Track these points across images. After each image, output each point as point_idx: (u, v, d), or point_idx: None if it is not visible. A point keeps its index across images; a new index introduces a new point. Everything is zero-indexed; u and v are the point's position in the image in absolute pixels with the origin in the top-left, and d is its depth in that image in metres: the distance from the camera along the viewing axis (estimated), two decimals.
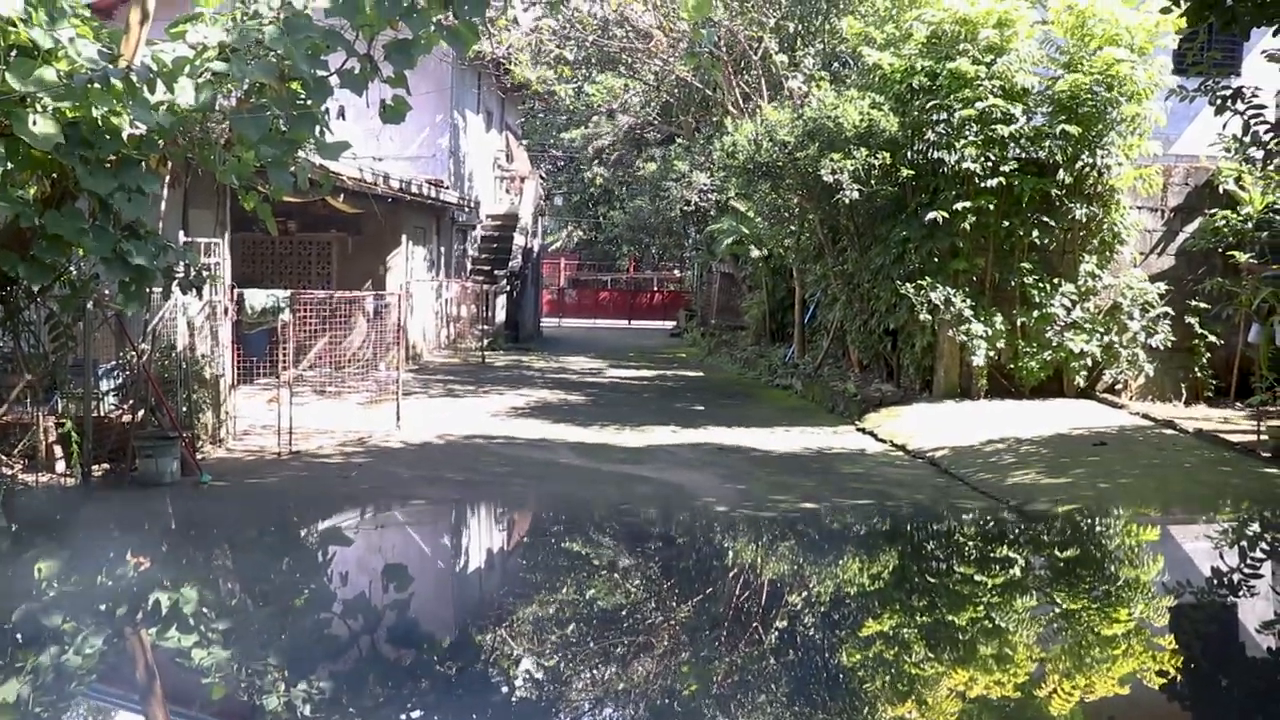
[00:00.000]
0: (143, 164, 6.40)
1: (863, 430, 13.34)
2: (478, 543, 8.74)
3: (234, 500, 8.76)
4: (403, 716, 4.67)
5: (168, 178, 9.97)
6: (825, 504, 9.20)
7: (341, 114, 6.71)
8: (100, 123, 5.85)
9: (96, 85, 5.57)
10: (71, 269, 7.86)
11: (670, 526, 8.77)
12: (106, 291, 9.01)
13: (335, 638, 5.80)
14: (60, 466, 8.92)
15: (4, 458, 8.64)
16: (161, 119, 5.99)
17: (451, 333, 24.07)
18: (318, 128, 6.77)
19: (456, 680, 5.14)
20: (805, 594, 6.90)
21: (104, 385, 9.81)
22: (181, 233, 10.77)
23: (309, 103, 6.67)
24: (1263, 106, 10.35)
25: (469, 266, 26.34)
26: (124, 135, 6.07)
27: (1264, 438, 10.77)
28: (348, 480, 9.71)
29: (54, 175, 6.48)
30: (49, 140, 5.47)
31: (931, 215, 13.60)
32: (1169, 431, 11.83)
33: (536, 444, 12.06)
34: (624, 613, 6.36)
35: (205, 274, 9.15)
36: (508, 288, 27.05)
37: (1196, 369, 14.39)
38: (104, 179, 6.01)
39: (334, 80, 6.72)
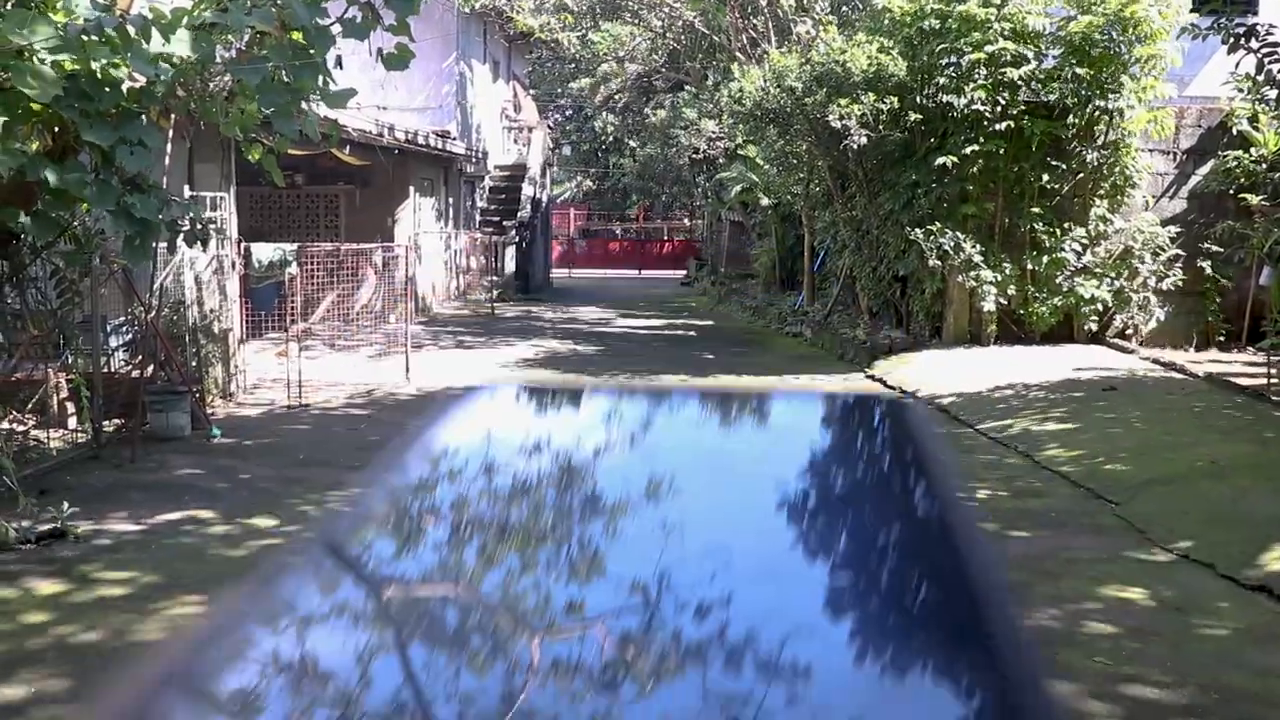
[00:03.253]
0: (143, 117, 6.35)
1: (872, 377, 13.33)
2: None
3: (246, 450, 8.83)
4: None
5: (171, 132, 9.93)
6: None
7: (339, 63, 6.64)
8: (99, 75, 5.80)
9: (92, 36, 5.52)
10: (76, 224, 7.84)
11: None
12: (113, 247, 9.00)
13: None
14: (71, 423, 8.97)
15: (16, 414, 8.68)
16: (161, 70, 5.94)
17: (461, 284, 24.06)
18: (321, 77, 6.71)
19: None
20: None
21: (113, 341, 9.83)
22: (186, 187, 10.75)
23: (312, 51, 6.61)
24: (1277, 45, 10.16)
25: (477, 218, 26.27)
26: (123, 88, 6.02)
27: (1275, 382, 10.72)
28: (356, 431, 9.77)
29: (55, 129, 6.44)
30: (48, 92, 5.43)
31: (941, 160, 13.51)
32: (1179, 376, 11.79)
33: None
34: None
35: (211, 227, 9.13)
36: (516, 239, 26.97)
37: (1208, 313, 14.32)
38: (105, 132, 5.97)
39: (335, 29, 6.65)
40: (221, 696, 4.48)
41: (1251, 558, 5.92)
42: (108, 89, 5.97)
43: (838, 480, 8.89)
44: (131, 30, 5.69)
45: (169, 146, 10.04)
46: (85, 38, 5.55)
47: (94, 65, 5.76)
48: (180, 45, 5.87)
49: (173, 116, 8.14)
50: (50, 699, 4.21)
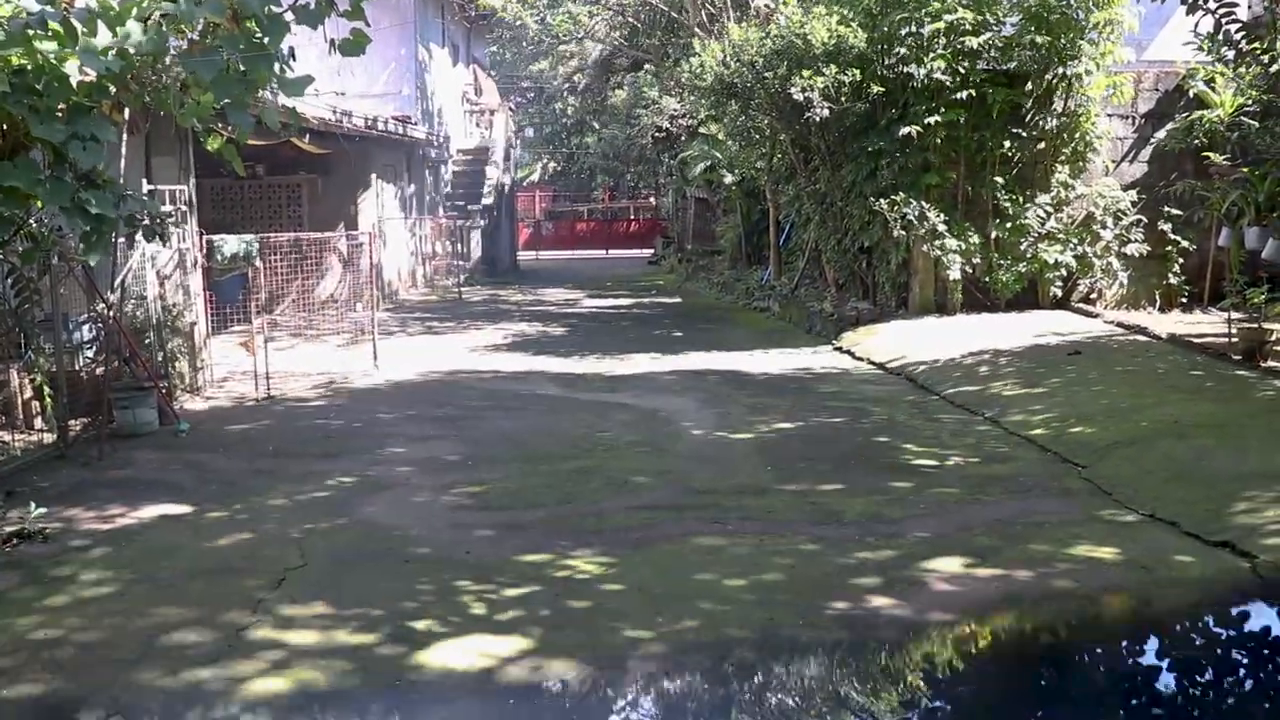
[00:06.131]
0: (95, 111, 6.27)
1: (840, 349, 13.40)
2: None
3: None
4: None
5: (126, 125, 9.81)
6: (802, 424, 9.26)
7: (292, 54, 6.56)
8: (46, 69, 5.73)
9: (37, 30, 5.44)
10: (31, 222, 7.74)
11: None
12: (71, 244, 8.89)
13: None
14: (37, 423, 8.89)
15: None
16: (110, 64, 5.86)
17: (427, 270, 23.95)
18: (277, 66, 6.63)
19: None
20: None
21: (75, 339, 9.73)
22: (145, 180, 10.63)
23: (265, 41, 6.53)
24: (1234, 5, 10.24)
25: (442, 203, 26.13)
26: (73, 82, 5.95)
27: (1235, 340, 10.85)
28: (326, 421, 9.73)
29: (4, 125, 6.35)
30: None
31: (904, 131, 13.53)
32: (1142, 338, 11.91)
33: (517, 377, 12.09)
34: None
35: (170, 221, 9.03)
36: (482, 222, 26.86)
37: (1170, 275, 14.45)
38: (56, 127, 5.89)
39: (288, 16, 6.58)
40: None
41: (1214, 515, 6.01)
42: (57, 83, 5.89)
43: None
44: (78, 24, 5.61)
45: (124, 140, 9.92)
46: (30, 31, 5.46)
47: (40, 59, 5.68)
48: (131, 37, 5.79)
49: (126, 110, 8.04)
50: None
